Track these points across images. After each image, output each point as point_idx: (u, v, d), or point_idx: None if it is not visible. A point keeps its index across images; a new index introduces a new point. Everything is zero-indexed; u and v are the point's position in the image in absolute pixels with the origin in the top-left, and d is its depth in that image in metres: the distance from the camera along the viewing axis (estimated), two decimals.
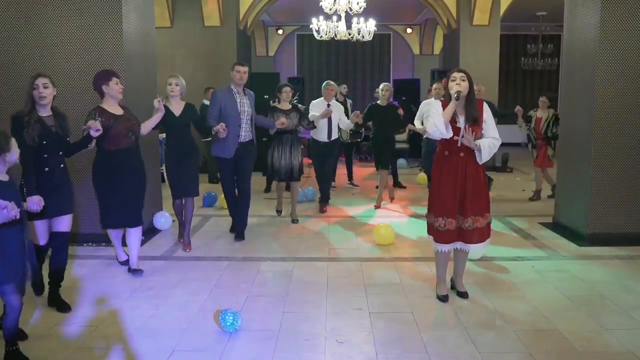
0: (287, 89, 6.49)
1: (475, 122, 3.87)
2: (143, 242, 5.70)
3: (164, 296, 4.23)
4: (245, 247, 5.64)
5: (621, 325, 3.68)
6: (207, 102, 9.31)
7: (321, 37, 11.64)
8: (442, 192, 3.96)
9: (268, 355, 3.27)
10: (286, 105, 6.52)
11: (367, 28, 11.61)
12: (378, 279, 4.62)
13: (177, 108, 5.37)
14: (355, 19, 11.34)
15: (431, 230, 4.10)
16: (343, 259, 5.24)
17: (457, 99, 3.81)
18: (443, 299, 4.11)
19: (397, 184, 9.00)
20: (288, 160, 6.49)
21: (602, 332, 3.57)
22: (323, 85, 7.28)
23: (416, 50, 17.16)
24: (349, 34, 11.62)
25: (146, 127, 4.79)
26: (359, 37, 11.70)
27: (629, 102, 5.53)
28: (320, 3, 10.06)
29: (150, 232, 6.01)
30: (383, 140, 7.52)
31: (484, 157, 3.91)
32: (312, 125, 6.79)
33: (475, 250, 4.14)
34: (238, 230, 5.93)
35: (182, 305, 4.03)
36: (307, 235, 6.15)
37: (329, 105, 7.08)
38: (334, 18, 11.20)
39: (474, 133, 3.86)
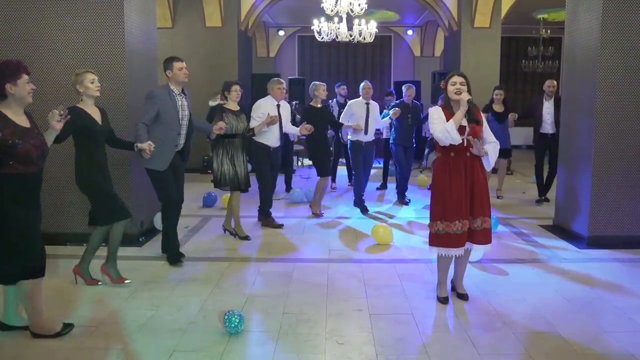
0: (237, 87, 5.75)
1: (477, 122, 3.94)
2: (144, 242, 5.72)
3: (164, 296, 4.22)
4: (246, 247, 5.64)
5: (621, 327, 3.68)
6: (213, 104, 9.31)
7: (322, 38, 11.65)
8: (453, 194, 3.91)
9: (268, 356, 3.27)
10: (235, 106, 5.77)
11: (368, 30, 11.63)
12: (378, 280, 4.62)
13: (96, 113, 4.26)
14: (356, 21, 11.36)
15: (441, 238, 3.96)
16: (343, 260, 5.24)
17: (470, 104, 3.88)
18: (443, 300, 4.11)
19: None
20: (231, 167, 5.68)
21: (602, 334, 3.57)
22: (269, 83, 6.46)
23: (417, 52, 17.18)
24: (350, 36, 11.63)
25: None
26: (360, 38, 11.72)
27: (630, 105, 5.53)
28: (322, 4, 10.07)
29: (150, 233, 6.01)
30: (316, 147, 6.97)
31: (492, 162, 3.99)
32: (251, 133, 6.06)
33: (476, 251, 4.12)
34: (173, 250, 5.05)
35: (182, 306, 4.02)
36: (307, 236, 6.14)
37: (278, 105, 6.36)
38: (335, 19, 11.21)
39: (480, 140, 3.91)
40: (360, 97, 7.22)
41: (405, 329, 3.66)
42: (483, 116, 4.09)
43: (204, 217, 6.94)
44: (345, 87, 9.10)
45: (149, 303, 4.08)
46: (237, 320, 3.50)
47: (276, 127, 6.27)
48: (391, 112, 7.35)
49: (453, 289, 4.29)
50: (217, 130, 5.33)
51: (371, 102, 7.22)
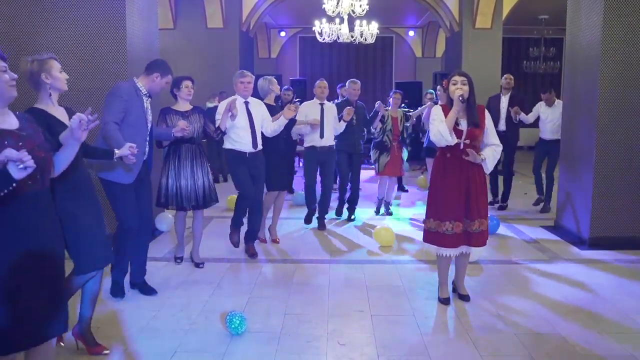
0: (188, 82, 4.84)
1: (476, 125, 3.88)
2: None
3: (165, 297, 4.23)
4: None
5: (622, 329, 3.68)
6: (210, 105, 9.30)
7: (324, 39, 11.66)
8: (446, 195, 3.91)
9: (270, 356, 3.28)
10: (186, 105, 4.88)
11: (369, 31, 11.64)
12: (380, 281, 4.63)
13: (63, 114, 3.18)
14: (357, 22, 11.37)
15: (433, 235, 3.99)
16: (344, 261, 5.24)
17: (463, 101, 3.82)
18: (445, 301, 4.10)
19: (401, 188, 8.99)
20: (190, 180, 4.78)
21: (603, 335, 3.57)
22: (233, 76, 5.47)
23: (418, 53, 17.19)
24: (352, 37, 11.65)
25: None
26: (362, 39, 11.73)
27: (632, 106, 5.53)
28: (323, 5, 10.09)
29: (152, 232, 6.01)
30: (268, 152, 5.63)
31: (490, 166, 3.96)
32: (220, 132, 5.01)
33: (475, 252, 4.11)
34: (139, 280, 4.37)
35: (184, 307, 4.03)
36: (308, 237, 6.15)
37: (246, 103, 5.24)
38: (337, 20, 11.22)
39: (475, 141, 3.88)
40: (314, 98, 6.40)
41: (407, 330, 3.66)
42: (488, 116, 4.00)
43: (206, 219, 6.91)
44: (346, 88, 9.08)
45: (150, 304, 4.09)
46: (239, 321, 3.51)
47: (245, 128, 5.21)
48: (344, 112, 6.29)
49: (454, 290, 4.29)
50: (179, 133, 4.47)
51: (327, 102, 6.42)
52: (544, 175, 7.76)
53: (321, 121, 6.22)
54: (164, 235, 6.12)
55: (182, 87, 4.80)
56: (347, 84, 6.97)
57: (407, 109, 7.95)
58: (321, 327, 3.69)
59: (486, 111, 4.02)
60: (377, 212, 7.40)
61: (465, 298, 4.16)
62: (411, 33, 16.92)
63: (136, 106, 4.01)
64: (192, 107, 4.91)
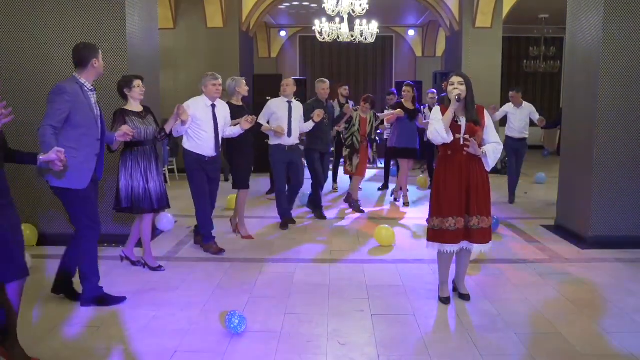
0: (140, 82, 4.62)
1: (475, 122, 3.94)
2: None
3: (166, 297, 4.23)
4: (248, 248, 5.65)
5: (623, 328, 3.68)
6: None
7: (324, 39, 11.66)
8: (448, 191, 3.96)
9: (270, 356, 3.28)
10: (137, 106, 4.66)
11: (369, 30, 11.64)
12: (380, 281, 4.62)
13: None
14: (357, 21, 11.36)
15: (437, 233, 4.01)
16: (345, 261, 5.24)
17: (459, 100, 3.87)
18: (445, 301, 4.12)
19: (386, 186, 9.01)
20: (144, 182, 4.60)
21: (604, 335, 3.57)
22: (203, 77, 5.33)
23: (418, 53, 17.17)
24: (352, 36, 11.64)
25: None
26: (362, 39, 11.72)
27: (631, 105, 5.53)
28: (323, 5, 10.08)
29: (153, 234, 6.00)
30: (234, 151, 5.89)
31: (491, 162, 4.00)
32: (165, 135, 4.83)
33: (475, 250, 4.13)
34: (92, 294, 4.02)
35: (184, 306, 4.03)
36: (308, 237, 6.15)
37: (213, 106, 5.19)
38: (337, 20, 11.21)
39: (475, 137, 3.90)
40: (281, 96, 6.36)
41: (407, 329, 3.66)
42: (487, 115, 4.06)
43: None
44: (347, 87, 9.10)
45: (150, 304, 4.09)
46: (238, 321, 3.51)
47: (209, 132, 5.17)
48: (314, 114, 6.35)
49: (455, 289, 4.29)
50: (122, 137, 4.19)
51: (294, 101, 6.37)
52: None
53: (289, 119, 6.22)
54: (164, 235, 6.11)
55: (133, 86, 4.57)
56: (316, 83, 7.02)
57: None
58: (321, 327, 3.69)
59: (486, 111, 4.08)
60: (355, 208, 7.46)
61: (465, 297, 4.16)
62: (411, 32, 16.90)
63: (83, 105, 3.72)
64: (143, 107, 4.71)
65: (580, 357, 3.28)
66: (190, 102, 5.15)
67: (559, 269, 4.96)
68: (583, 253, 5.47)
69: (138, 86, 4.58)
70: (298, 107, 6.42)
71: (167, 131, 4.83)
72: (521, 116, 7.98)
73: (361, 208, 7.43)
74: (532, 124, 8.13)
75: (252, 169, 6.25)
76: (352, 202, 7.49)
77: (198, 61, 11.03)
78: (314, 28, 11.57)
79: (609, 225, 5.63)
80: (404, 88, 7.89)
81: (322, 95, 6.91)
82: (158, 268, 4.84)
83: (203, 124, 5.14)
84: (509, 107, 8.13)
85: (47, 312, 3.91)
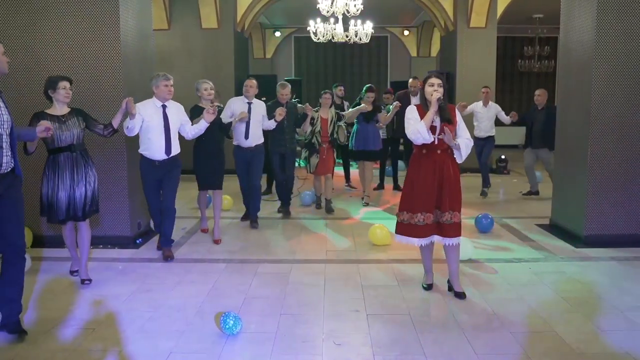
0: (66, 83, 4.33)
1: (449, 122, 4.09)
2: (140, 244, 5.72)
3: (161, 298, 4.22)
4: (243, 249, 5.64)
5: (618, 326, 3.69)
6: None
7: (318, 39, 11.66)
8: (420, 188, 4.12)
9: (265, 357, 3.27)
10: (63, 109, 4.36)
11: (364, 30, 11.64)
12: (375, 281, 4.63)
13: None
14: (352, 21, 11.37)
15: (405, 227, 4.20)
16: (340, 261, 5.24)
17: (440, 103, 4.04)
18: (427, 288, 4.33)
19: (397, 187, 8.98)
20: (68, 189, 4.31)
21: (599, 333, 3.58)
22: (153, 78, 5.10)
23: (413, 53, 17.19)
24: (346, 36, 11.65)
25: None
26: (356, 39, 11.73)
27: (625, 104, 5.55)
28: (318, 5, 10.08)
29: (148, 234, 6.00)
30: (199, 152, 5.82)
31: (463, 155, 4.16)
32: (112, 130, 4.55)
33: (465, 251, 4.20)
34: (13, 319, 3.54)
35: (179, 307, 4.02)
36: (304, 237, 6.15)
37: (164, 106, 5.01)
38: (332, 20, 11.22)
39: (452, 132, 4.09)
40: (242, 96, 6.29)
41: (403, 329, 3.66)
42: (459, 114, 4.23)
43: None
44: (342, 88, 9.10)
45: (146, 305, 4.08)
46: (232, 322, 3.51)
47: (159, 135, 4.97)
48: (276, 112, 6.26)
49: (450, 288, 4.30)
50: (42, 133, 3.72)
51: (255, 101, 6.27)
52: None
53: (247, 121, 6.11)
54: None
55: (59, 88, 4.29)
56: (277, 88, 6.86)
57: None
58: (317, 327, 3.69)
59: (456, 109, 4.27)
60: (318, 206, 7.61)
61: (461, 296, 4.18)
62: (406, 32, 16.92)
63: None
64: (70, 109, 4.39)
65: (576, 355, 3.29)
66: (139, 104, 4.86)
67: (554, 268, 4.97)
68: (578, 252, 5.48)
69: (64, 88, 4.30)
70: (259, 108, 6.30)
71: (115, 126, 4.54)
72: (488, 114, 8.46)
73: (330, 207, 7.32)
74: (502, 123, 8.64)
75: (223, 169, 6.01)
76: (327, 203, 7.39)
77: (193, 62, 11.01)
78: (308, 28, 11.57)
79: (603, 223, 5.65)
80: (367, 94, 7.69)
81: (282, 100, 6.72)
82: (86, 281, 4.49)
83: (152, 126, 4.93)
84: (477, 106, 8.57)
85: (42, 314, 3.89)
